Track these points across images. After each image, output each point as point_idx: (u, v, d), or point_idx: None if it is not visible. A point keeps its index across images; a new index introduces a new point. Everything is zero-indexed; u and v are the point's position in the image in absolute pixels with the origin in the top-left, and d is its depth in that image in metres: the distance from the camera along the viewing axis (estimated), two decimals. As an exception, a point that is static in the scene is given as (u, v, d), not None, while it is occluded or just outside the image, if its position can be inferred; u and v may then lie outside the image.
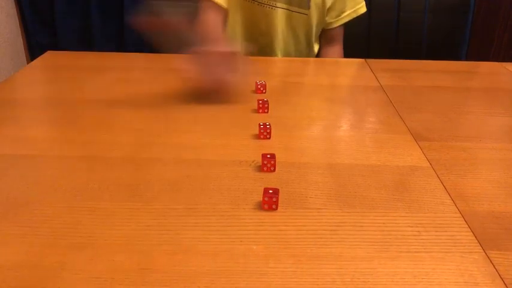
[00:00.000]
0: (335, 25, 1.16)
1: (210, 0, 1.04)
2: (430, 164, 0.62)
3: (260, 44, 1.14)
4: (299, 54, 1.18)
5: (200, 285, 0.41)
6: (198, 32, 0.98)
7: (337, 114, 0.80)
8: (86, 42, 1.78)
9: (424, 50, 1.48)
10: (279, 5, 1.09)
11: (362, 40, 1.48)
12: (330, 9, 1.14)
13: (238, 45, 0.92)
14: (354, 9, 1.14)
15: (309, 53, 1.19)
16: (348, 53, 1.22)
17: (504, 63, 1.09)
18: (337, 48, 1.20)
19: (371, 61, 1.06)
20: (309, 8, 1.11)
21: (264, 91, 0.82)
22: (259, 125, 0.68)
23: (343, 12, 1.14)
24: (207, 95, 0.78)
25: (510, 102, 0.87)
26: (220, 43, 0.87)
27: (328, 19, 1.15)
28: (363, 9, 1.15)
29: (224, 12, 1.07)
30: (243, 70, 0.79)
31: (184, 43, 0.76)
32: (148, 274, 0.42)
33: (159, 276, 0.41)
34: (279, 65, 1.05)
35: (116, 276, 0.41)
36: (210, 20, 1.03)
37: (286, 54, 1.16)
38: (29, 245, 0.45)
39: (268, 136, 0.67)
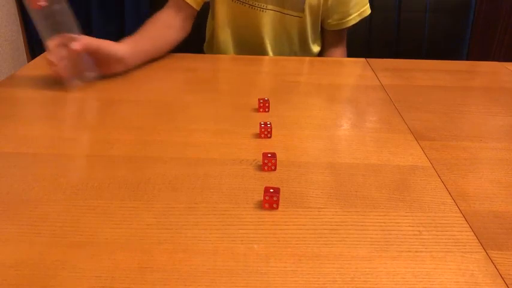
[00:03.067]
0: (339, 27, 1.15)
1: None
2: (431, 163, 0.62)
3: (251, 44, 1.13)
4: (293, 55, 1.17)
5: (200, 284, 0.41)
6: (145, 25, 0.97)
7: (338, 113, 0.80)
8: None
9: (424, 49, 1.48)
10: (270, 7, 1.08)
11: (363, 39, 1.48)
12: (332, 11, 1.13)
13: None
14: (359, 12, 1.13)
15: (304, 53, 1.19)
16: (349, 53, 1.22)
17: (505, 63, 1.09)
18: (340, 50, 1.20)
19: (372, 60, 1.06)
20: (303, 10, 1.10)
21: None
22: (260, 124, 0.67)
23: (348, 15, 1.12)
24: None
25: (511, 102, 0.86)
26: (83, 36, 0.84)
27: (331, 21, 1.14)
28: (367, 11, 1.14)
29: (190, 12, 1.04)
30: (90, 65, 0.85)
31: (57, 26, 0.81)
32: (148, 273, 0.42)
33: (160, 275, 0.41)
34: (279, 64, 1.04)
35: (116, 275, 0.41)
36: (161, 19, 1.01)
37: (279, 55, 1.16)
38: (29, 243, 0.45)
39: (269, 135, 0.67)
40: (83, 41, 0.81)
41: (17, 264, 0.42)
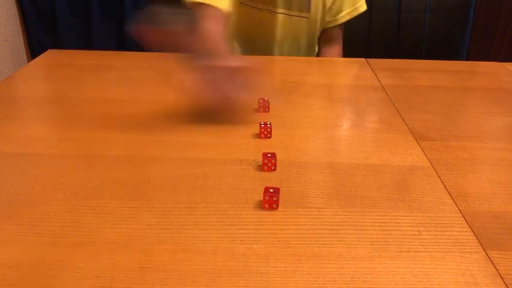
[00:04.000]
0: (333, 24, 1.15)
1: (210, 6, 0.92)
2: (431, 163, 0.62)
3: (259, 48, 1.13)
4: (301, 55, 1.17)
5: (200, 284, 0.41)
6: (198, 44, 0.83)
7: (338, 113, 0.80)
8: (86, 41, 1.78)
9: (424, 49, 1.48)
10: (278, 10, 1.08)
11: (363, 39, 1.48)
12: (329, 8, 1.13)
13: (246, 58, 0.75)
14: (354, 7, 1.12)
15: (309, 54, 1.19)
16: (348, 53, 1.22)
17: (505, 63, 1.09)
18: (336, 49, 1.20)
19: (372, 60, 1.06)
20: (309, 11, 1.10)
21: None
22: (260, 124, 0.68)
23: (341, 11, 1.13)
24: (211, 112, 0.72)
25: (511, 102, 0.86)
26: (228, 56, 0.75)
27: (326, 18, 1.14)
28: (363, 7, 1.13)
29: (226, 18, 0.97)
30: (251, 86, 0.71)
31: (188, 57, 0.69)
32: (148, 273, 0.42)
33: (159, 275, 0.41)
34: (279, 64, 1.04)
35: (116, 275, 0.41)
36: (211, 29, 0.91)
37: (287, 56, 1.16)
38: (29, 243, 0.45)
39: (268, 135, 0.67)
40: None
41: (17, 264, 0.42)
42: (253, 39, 1.13)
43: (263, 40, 1.12)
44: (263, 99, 0.76)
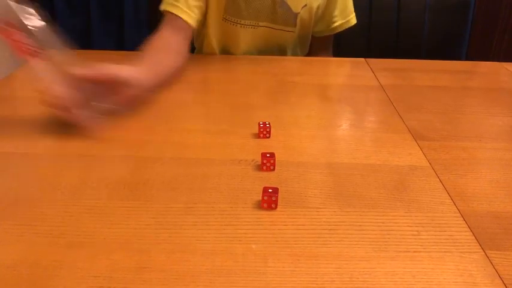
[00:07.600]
0: (326, 34, 1.14)
1: (173, 14, 0.91)
2: (430, 163, 0.62)
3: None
4: None
5: (199, 284, 0.41)
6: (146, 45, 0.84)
7: (337, 113, 0.80)
8: (85, 41, 1.78)
9: (424, 49, 1.48)
10: (262, 24, 1.06)
11: (362, 39, 1.48)
12: (319, 20, 1.12)
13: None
14: (346, 20, 1.11)
15: None
16: (348, 52, 1.21)
17: (504, 63, 1.09)
18: (326, 54, 1.19)
19: (371, 60, 1.06)
20: (295, 25, 1.08)
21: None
22: (259, 124, 0.67)
23: (333, 22, 1.11)
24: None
25: (510, 102, 0.86)
26: (117, 68, 0.74)
27: (317, 28, 1.13)
28: (353, 20, 1.12)
29: (188, 31, 0.94)
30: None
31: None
32: (146, 273, 0.42)
33: (158, 275, 0.41)
34: (278, 64, 1.04)
35: (114, 275, 0.41)
36: (163, 36, 0.90)
37: None
38: (27, 243, 0.45)
39: (267, 135, 0.67)
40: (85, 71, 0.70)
41: (16, 265, 0.42)
42: (236, 52, 1.10)
43: (247, 53, 1.10)
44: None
